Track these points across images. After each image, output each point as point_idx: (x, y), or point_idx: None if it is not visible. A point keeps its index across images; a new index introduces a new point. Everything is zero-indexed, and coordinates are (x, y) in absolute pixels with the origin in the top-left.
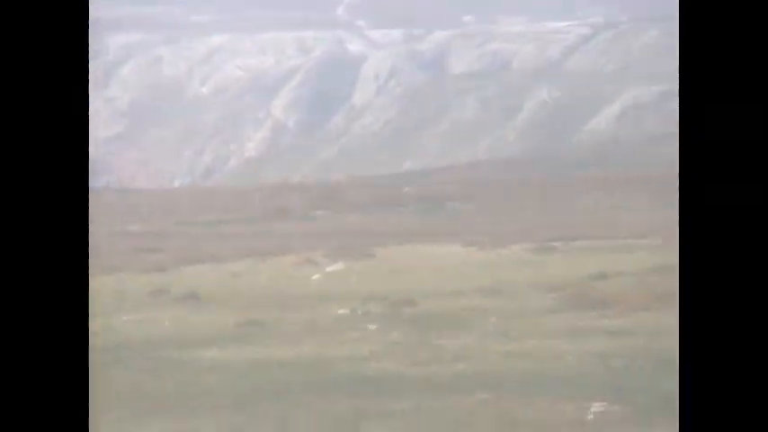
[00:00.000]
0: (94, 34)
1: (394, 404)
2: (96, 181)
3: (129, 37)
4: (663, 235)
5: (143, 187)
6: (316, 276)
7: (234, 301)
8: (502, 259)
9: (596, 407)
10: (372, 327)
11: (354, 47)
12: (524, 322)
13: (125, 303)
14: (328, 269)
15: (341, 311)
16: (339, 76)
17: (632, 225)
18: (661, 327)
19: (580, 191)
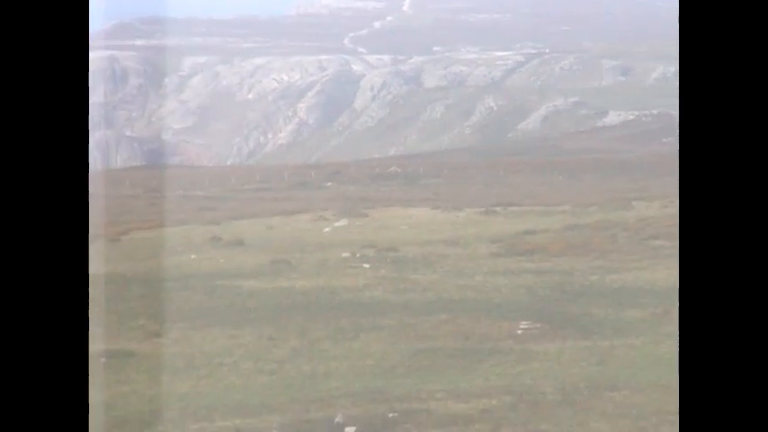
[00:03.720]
0: (174, 57)
1: (381, 321)
2: (172, 160)
3: (197, 59)
4: (572, 203)
5: (205, 164)
6: (326, 229)
7: (268, 246)
8: (459, 219)
9: (524, 324)
10: (366, 266)
11: (356, 67)
12: (473, 264)
13: (191, 246)
14: (335, 224)
15: (344, 254)
16: (345, 88)
17: (551, 196)
18: (572, 268)
19: (515, 171)
